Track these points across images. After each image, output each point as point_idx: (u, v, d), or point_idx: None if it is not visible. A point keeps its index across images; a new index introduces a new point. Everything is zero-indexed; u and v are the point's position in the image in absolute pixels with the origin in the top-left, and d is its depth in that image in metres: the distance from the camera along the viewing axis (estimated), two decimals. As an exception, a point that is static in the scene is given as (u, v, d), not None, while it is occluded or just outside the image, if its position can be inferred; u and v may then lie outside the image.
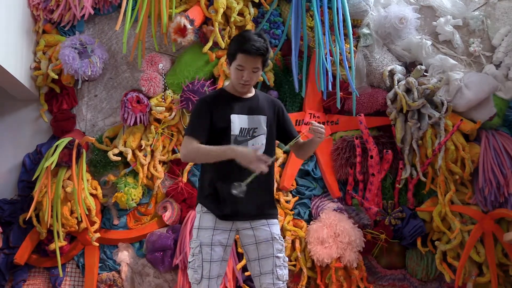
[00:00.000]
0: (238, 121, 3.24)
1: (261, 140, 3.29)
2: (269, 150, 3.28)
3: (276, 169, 5.09)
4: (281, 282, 3.20)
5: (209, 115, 3.22)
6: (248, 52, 3.13)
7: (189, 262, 3.19)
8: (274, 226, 3.28)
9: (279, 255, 3.23)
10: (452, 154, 4.94)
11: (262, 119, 3.30)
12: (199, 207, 3.27)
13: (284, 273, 3.22)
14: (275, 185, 5.04)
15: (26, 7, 5.39)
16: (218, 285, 3.17)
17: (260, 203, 3.25)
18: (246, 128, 3.25)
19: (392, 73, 5.11)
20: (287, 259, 3.30)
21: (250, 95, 3.36)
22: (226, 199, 3.16)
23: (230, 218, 3.19)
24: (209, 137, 3.22)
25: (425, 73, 5.10)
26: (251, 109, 3.29)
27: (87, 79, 5.39)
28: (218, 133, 3.22)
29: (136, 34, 5.19)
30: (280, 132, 3.43)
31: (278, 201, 5.06)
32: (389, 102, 5.06)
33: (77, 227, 5.06)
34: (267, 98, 3.45)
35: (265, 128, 3.30)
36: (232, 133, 3.22)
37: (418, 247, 4.99)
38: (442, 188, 4.95)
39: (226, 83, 5.07)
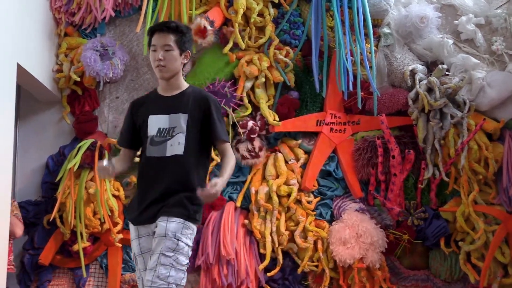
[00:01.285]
0: (155, 122, 3.15)
1: (179, 139, 3.12)
2: (189, 150, 3.11)
3: (298, 170, 5.10)
4: (162, 281, 2.97)
5: (131, 119, 3.26)
6: (159, 29, 3.14)
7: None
8: (174, 224, 3.06)
9: (168, 254, 3.02)
10: (475, 154, 4.87)
11: (182, 118, 3.14)
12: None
13: (169, 274, 2.99)
14: (297, 185, 5.03)
15: (48, 10, 5.44)
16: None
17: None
18: (165, 128, 3.14)
19: (413, 73, 5.05)
20: (184, 261, 3.09)
21: (176, 92, 3.22)
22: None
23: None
24: (133, 140, 3.28)
25: (446, 72, 5.02)
26: (172, 107, 3.17)
27: (108, 81, 5.41)
28: (141, 135, 3.21)
29: None
30: (206, 132, 3.22)
31: (300, 201, 5.01)
32: (410, 102, 5.00)
33: (100, 228, 5.08)
34: (198, 96, 3.26)
35: (184, 127, 3.13)
36: (148, 134, 3.15)
37: (441, 247, 4.94)
38: (465, 188, 4.88)
39: (248, 84, 5.15)
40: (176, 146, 3.11)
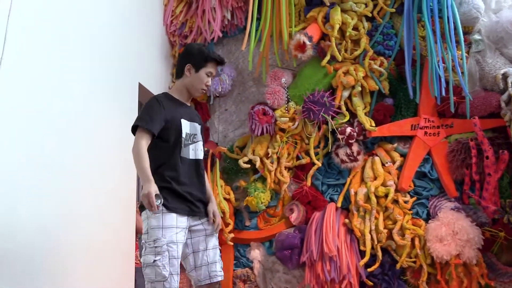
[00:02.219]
0: (184, 126, 3.30)
1: (200, 146, 3.37)
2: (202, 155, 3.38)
3: (394, 172, 5.14)
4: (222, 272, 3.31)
5: (163, 111, 3.25)
6: (219, 62, 3.34)
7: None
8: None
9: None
10: None
11: (198, 128, 3.37)
12: None
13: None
14: (394, 186, 5.07)
15: (164, 34, 5.80)
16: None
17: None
18: (188, 134, 3.30)
19: (505, 76, 4.95)
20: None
21: (189, 104, 3.44)
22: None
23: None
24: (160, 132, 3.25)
25: None
26: (191, 116, 3.37)
27: (218, 95, 5.67)
28: (169, 132, 3.25)
29: (260, 53, 5.42)
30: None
31: (397, 201, 5.09)
32: (503, 104, 4.91)
33: None
34: (196, 114, 3.53)
35: (201, 136, 3.39)
36: (182, 135, 3.28)
37: None
38: None
39: (345, 93, 5.23)
40: (199, 151, 3.37)
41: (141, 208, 3.23)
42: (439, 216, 4.97)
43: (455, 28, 4.89)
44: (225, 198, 5.36)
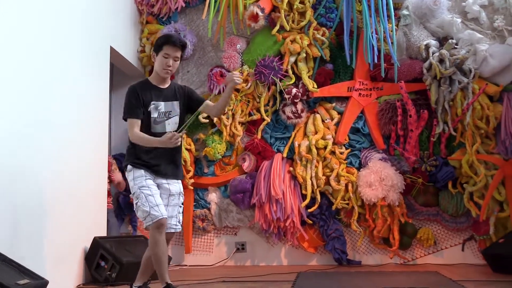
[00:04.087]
0: (155, 107, 3.44)
1: (175, 120, 3.52)
2: (181, 125, 3.51)
3: (332, 127, 5.35)
4: (179, 225, 3.55)
5: (140, 99, 3.43)
6: (173, 44, 3.43)
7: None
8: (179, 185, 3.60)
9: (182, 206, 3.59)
10: (478, 113, 5.04)
11: (175, 104, 3.52)
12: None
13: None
14: (332, 140, 5.30)
15: (133, 3, 5.85)
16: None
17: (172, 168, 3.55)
18: (163, 112, 3.46)
19: (427, 47, 5.18)
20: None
21: (166, 85, 3.55)
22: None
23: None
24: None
25: (455, 46, 5.14)
26: (166, 96, 3.50)
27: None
28: (145, 115, 3.44)
29: (218, 21, 5.52)
30: (192, 102, 3.61)
31: (334, 152, 5.34)
32: (425, 71, 5.14)
33: None
34: (179, 87, 3.63)
35: (178, 111, 3.53)
36: (151, 115, 3.44)
37: (449, 188, 5.14)
38: (469, 140, 5.05)
39: (292, 59, 5.38)
40: (173, 124, 3.50)
41: (124, 168, 3.49)
42: (369, 165, 5.24)
43: (387, 4, 5.05)
44: (186, 149, 5.50)
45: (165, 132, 3.36)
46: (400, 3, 5.40)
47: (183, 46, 3.52)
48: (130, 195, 3.49)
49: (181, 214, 3.60)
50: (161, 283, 3.35)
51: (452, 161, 5.20)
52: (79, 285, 4.29)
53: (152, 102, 3.45)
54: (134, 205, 3.40)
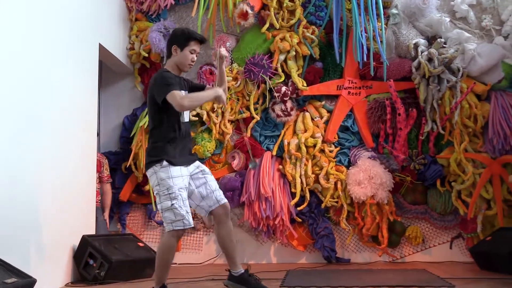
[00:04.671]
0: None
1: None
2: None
3: (322, 126, 5.37)
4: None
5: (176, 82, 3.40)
6: (201, 41, 3.48)
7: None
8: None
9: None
10: (466, 111, 5.07)
11: (186, 93, 3.50)
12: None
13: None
14: (321, 138, 5.30)
15: (122, 0, 5.79)
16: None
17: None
18: None
19: (416, 46, 5.20)
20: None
21: (181, 76, 3.57)
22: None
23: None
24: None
25: (444, 45, 5.15)
26: (182, 85, 3.49)
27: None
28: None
29: (208, 19, 5.50)
30: (194, 90, 3.56)
31: (323, 150, 5.33)
32: (414, 70, 5.16)
33: None
34: (183, 79, 3.60)
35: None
36: None
37: (437, 187, 5.17)
38: (457, 139, 5.08)
39: (281, 57, 5.38)
40: (188, 113, 3.53)
41: (147, 165, 3.39)
42: (358, 164, 5.26)
43: (376, 3, 5.07)
44: (176, 147, 5.49)
45: (187, 122, 3.45)
46: (389, 2, 5.41)
47: (205, 42, 3.61)
48: (158, 191, 3.33)
49: None
50: (157, 284, 3.33)
51: (440, 160, 5.22)
52: (67, 283, 4.27)
53: (181, 90, 3.41)
54: (166, 205, 3.26)
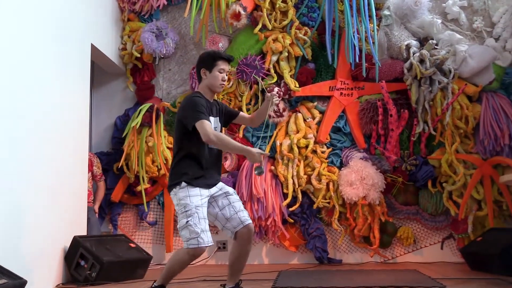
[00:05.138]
0: (212, 121, 3.37)
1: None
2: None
3: (314, 126, 5.36)
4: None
5: (207, 109, 3.35)
6: (228, 60, 3.45)
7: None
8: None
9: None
10: (457, 112, 5.09)
11: (218, 120, 3.49)
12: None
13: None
14: (313, 139, 5.31)
15: (115, 0, 5.78)
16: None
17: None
18: (214, 127, 3.36)
19: (408, 47, 5.22)
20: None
21: (212, 101, 3.49)
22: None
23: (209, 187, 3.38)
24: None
25: (435, 46, 5.19)
26: (215, 111, 3.47)
27: (162, 56, 5.74)
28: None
29: (201, 20, 5.50)
30: (227, 116, 3.60)
31: (315, 151, 5.33)
32: (406, 71, 5.18)
33: (157, 173, 5.45)
34: (216, 103, 3.56)
35: (220, 126, 3.52)
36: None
37: (429, 187, 5.19)
38: (449, 140, 5.11)
39: (274, 58, 5.38)
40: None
41: (169, 188, 3.36)
42: (350, 164, 5.26)
43: (369, 4, 5.08)
44: (168, 147, 5.46)
45: (213, 148, 3.35)
46: (381, 3, 5.44)
47: (232, 61, 3.59)
48: (177, 211, 3.33)
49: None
50: (158, 282, 3.32)
51: (431, 161, 5.24)
52: (58, 284, 4.25)
53: (211, 116, 3.39)
54: (182, 223, 3.24)
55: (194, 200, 3.24)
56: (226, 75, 3.46)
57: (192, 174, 3.30)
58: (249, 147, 3.28)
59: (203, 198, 3.29)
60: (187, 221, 3.20)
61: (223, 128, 3.63)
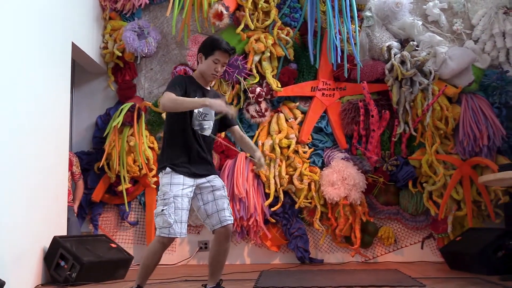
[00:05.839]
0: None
1: (209, 124, 3.37)
2: (213, 131, 3.41)
3: (296, 127, 5.37)
4: (232, 217, 3.39)
5: (185, 88, 3.28)
6: (226, 51, 3.34)
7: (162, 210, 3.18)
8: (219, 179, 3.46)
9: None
10: (438, 113, 5.14)
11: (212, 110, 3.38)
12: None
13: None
14: (295, 139, 5.32)
15: None
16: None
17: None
18: (201, 112, 3.32)
19: (389, 48, 5.26)
20: None
21: (208, 88, 3.46)
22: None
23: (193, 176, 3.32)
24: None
25: (416, 48, 5.23)
26: (203, 96, 3.36)
27: (144, 55, 5.70)
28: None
29: (183, 19, 5.48)
30: (225, 120, 3.47)
31: (297, 151, 5.33)
32: (387, 72, 5.22)
33: (139, 173, 5.40)
34: (216, 94, 3.54)
35: (213, 116, 3.40)
36: (193, 110, 3.28)
37: (409, 188, 5.24)
38: (429, 140, 5.15)
39: (256, 58, 5.38)
40: (206, 128, 3.36)
41: (157, 172, 3.25)
42: (331, 165, 5.28)
43: (350, 5, 5.10)
44: (149, 147, 5.44)
45: (206, 136, 3.32)
46: (363, 5, 5.46)
47: (233, 53, 3.45)
48: (157, 196, 3.29)
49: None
50: (136, 283, 3.27)
51: (412, 161, 5.28)
52: (37, 285, 4.18)
53: (196, 97, 3.30)
54: (158, 210, 3.20)
55: (174, 189, 3.19)
56: (224, 66, 3.38)
57: (177, 161, 3.26)
58: (206, 97, 3.20)
59: (186, 188, 3.23)
60: (162, 210, 3.16)
61: (218, 133, 3.53)
